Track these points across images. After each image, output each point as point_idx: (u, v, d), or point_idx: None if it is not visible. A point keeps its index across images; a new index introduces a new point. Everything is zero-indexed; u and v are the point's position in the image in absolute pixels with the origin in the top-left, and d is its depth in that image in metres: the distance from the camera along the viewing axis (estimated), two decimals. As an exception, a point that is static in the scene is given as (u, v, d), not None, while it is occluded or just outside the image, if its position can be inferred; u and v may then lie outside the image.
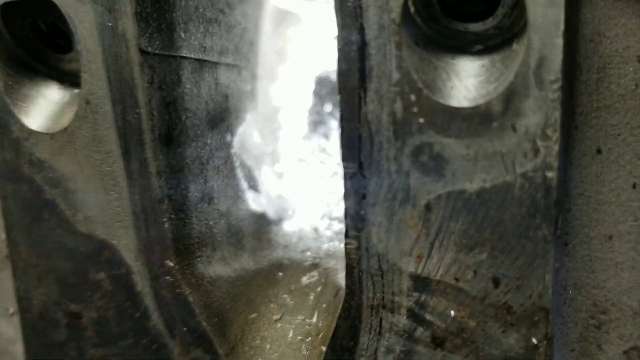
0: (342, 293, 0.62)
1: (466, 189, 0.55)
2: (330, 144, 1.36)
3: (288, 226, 1.00)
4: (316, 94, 1.44)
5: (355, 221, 0.59)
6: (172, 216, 0.69)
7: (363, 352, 0.62)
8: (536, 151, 0.51)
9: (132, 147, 0.66)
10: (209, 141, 0.78)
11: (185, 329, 0.71)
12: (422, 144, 0.55)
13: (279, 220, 1.00)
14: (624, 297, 0.59)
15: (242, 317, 0.76)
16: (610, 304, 0.59)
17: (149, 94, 0.64)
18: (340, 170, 1.32)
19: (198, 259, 0.73)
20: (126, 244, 0.70)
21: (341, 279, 0.77)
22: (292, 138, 1.42)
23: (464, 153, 0.54)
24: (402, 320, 0.59)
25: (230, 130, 0.85)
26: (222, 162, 0.82)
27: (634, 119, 0.56)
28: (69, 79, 0.73)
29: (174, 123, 0.69)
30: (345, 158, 0.59)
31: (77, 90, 0.69)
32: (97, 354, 0.75)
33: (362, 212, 0.58)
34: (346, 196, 0.59)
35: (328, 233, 1.00)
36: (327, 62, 1.45)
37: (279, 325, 0.77)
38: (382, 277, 0.59)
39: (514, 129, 0.52)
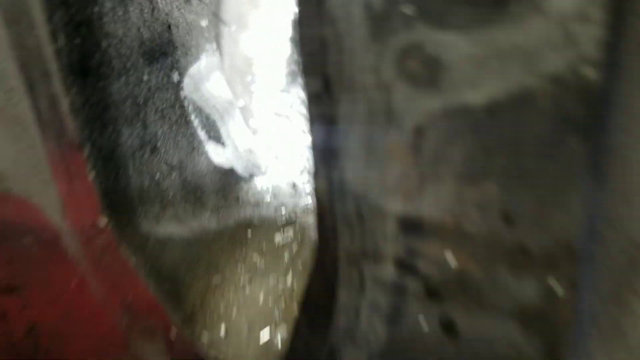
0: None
1: (471, 103, 0.41)
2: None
3: (261, 183, 0.86)
4: (294, 40, 1.29)
5: (325, 155, 0.45)
6: (99, 165, 0.55)
7: (342, 311, 0.49)
8: (571, 40, 0.38)
9: (37, 81, 0.52)
10: (145, 77, 0.63)
11: (128, 296, 0.58)
12: (411, 44, 0.41)
13: (249, 178, 0.86)
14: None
15: (202, 282, 0.63)
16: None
17: (48, 10, 0.50)
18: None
19: (140, 217, 0.59)
20: (49, 202, 0.56)
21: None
22: (268, 91, 1.28)
23: (468, 52, 0.40)
24: (388, 271, 0.45)
25: (178, 68, 0.71)
26: (167, 106, 0.68)
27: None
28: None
29: (91, 50, 0.55)
30: (306, 72, 0.45)
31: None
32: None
33: (332, 144, 0.44)
34: (311, 124, 0.46)
35: (308, 189, 0.87)
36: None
37: (247, 289, 0.64)
38: (362, 222, 0.45)
39: (540, 10, 0.38)
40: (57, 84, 0.51)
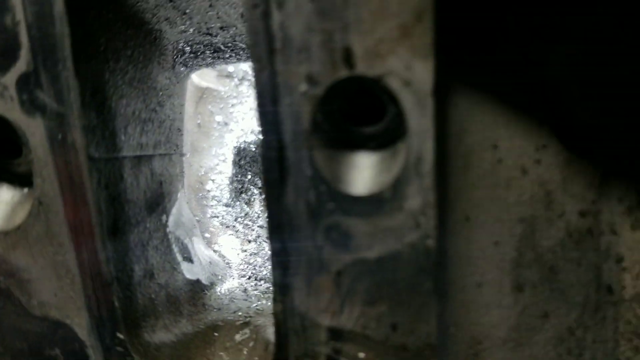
0: (272, 347, 0.74)
1: (367, 258, 0.70)
2: (252, 210, 1.49)
3: (219, 290, 1.11)
4: (236, 164, 1.58)
5: (281, 288, 0.72)
6: (120, 295, 0.79)
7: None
8: (418, 225, 0.68)
9: (83, 240, 0.75)
10: (148, 225, 0.88)
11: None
12: (332, 223, 0.70)
13: (211, 285, 1.10)
14: (493, 330, 0.76)
15: (185, 378, 0.86)
16: (484, 337, 0.76)
17: (97, 194, 0.75)
18: (262, 233, 1.44)
19: (143, 329, 0.82)
20: (79, 322, 0.78)
21: (270, 334, 0.89)
22: (216, 206, 1.54)
23: (364, 229, 0.69)
24: (322, 366, 0.74)
25: (165, 212, 0.96)
26: (159, 241, 0.92)
27: (492, 192, 0.74)
28: (18, 180, 0.82)
29: (119, 215, 0.80)
30: (271, 239, 0.72)
31: (26, 190, 0.78)
32: None
33: (286, 281, 0.72)
34: (273, 269, 0.73)
35: (256, 293, 1.12)
36: (247, 133, 1.60)
37: (218, 381, 0.88)
38: (304, 332, 0.72)
39: (401, 208, 0.68)
40: (98, 242, 0.75)
